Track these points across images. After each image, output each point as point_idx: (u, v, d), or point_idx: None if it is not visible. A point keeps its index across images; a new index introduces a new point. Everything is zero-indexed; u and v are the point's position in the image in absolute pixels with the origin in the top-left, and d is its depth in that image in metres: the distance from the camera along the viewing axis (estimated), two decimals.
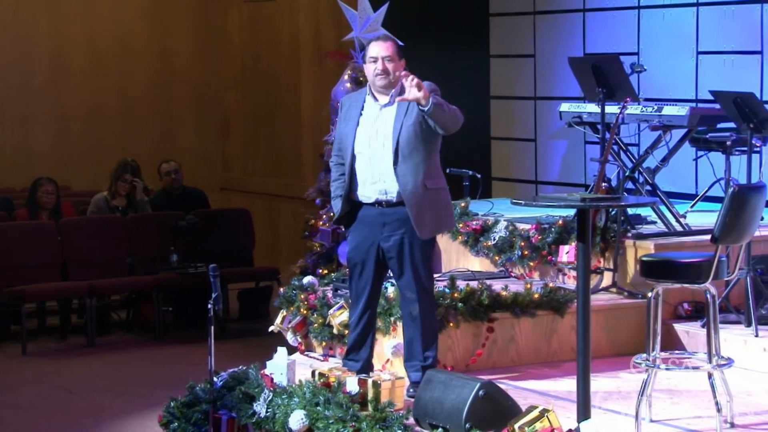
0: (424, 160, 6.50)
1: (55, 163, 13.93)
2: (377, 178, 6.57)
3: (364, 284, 6.73)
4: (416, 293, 6.62)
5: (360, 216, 6.68)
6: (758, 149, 8.00)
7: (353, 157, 6.62)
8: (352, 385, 6.36)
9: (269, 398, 6.51)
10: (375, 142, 6.57)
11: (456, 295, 7.34)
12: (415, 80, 6.27)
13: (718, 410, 5.92)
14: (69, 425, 8.28)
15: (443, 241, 8.86)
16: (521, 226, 8.58)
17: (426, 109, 6.30)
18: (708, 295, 6.11)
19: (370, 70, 6.60)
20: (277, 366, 6.74)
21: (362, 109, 6.66)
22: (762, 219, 6.78)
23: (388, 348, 7.27)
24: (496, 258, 8.61)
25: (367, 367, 6.77)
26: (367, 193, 6.63)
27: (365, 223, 6.67)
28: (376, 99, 6.64)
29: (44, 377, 9.59)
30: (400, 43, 6.84)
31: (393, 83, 6.58)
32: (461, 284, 7.49)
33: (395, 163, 6.49)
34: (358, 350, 6.79)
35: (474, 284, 7.51)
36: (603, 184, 7.83)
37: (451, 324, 7.29)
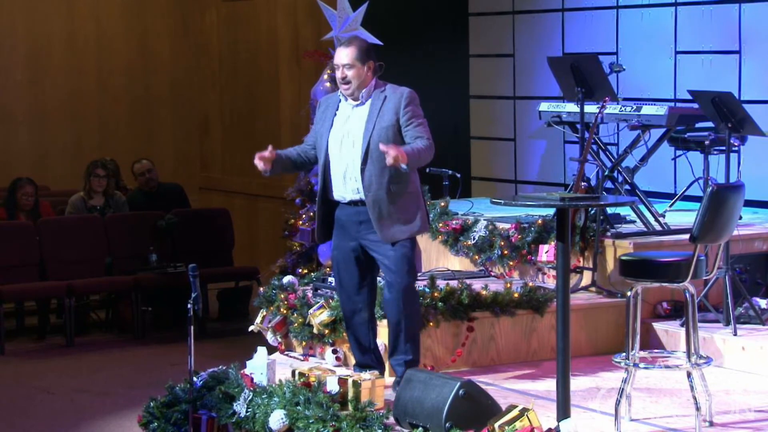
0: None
1: (34, 162, 13.88)
2: (349, 177, 6.60)
3: (349, 284, 6.74)
4: (396, 298, 6.61)
5: (337, 216, 6.71)
6: (736, 148, 8.03)
7: (327, 157, 6.65)
8: (332, 384, 6.36)
9: (249, 398, 6.50)
10: (346, 141, 6.61)
11: (436, 294, 7.35)
12: (393, 155, 6.28)
13: (697, 409, 5.94)
14: (48, 426, 8.25)
15: (423, 240, 8.86)
16: (501, 225, 8.60)
17: (405, 169, 6.34)
18: (687, 294, 6.13)
19: (336, 76, 6.66)
20: (257, 366, 6.74)
21: (336, 110, 6.71)
22: (740, 218, 6.82)
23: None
24: (476, 257, 8.63)
25: (380, 368, 6.78)
26: (341, 192, 6.66)
27: (343, 222, 6.70)
28: (347, 99, 6.68)
29: (23, 378, 9.55)
30: (375, 41, 6.81)
31: (359, 87, 6.59)
32: (441, 284, 7.51)
33: (363, 162, 6.52)
34: (362, 355, 6.82)
35: (454, 284, 7.52)
36: (582, 183, 7.85)
37: (431, 323, 7.29)
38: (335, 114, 6.70)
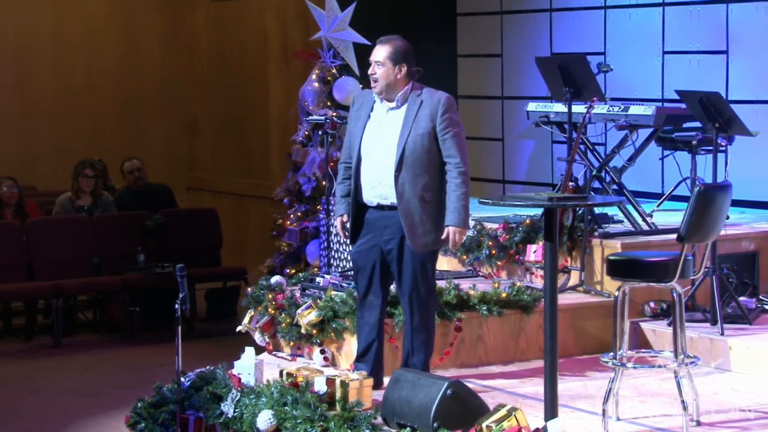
0: (426, 172, 6.46)
1: (21, 163, 13.85)
2: (377, 182, 6.55)
3: (367, 287, 6.71)
4: (410, 303, 6.59)
5: (365, 218, 6.66)
6: (723, 148, 8.04)
7: (359, 159, 6.61)
8: (320, 384, 6.36)
9: (237, 398, 6.50)
10: (379, 146, 6.54)
11: None
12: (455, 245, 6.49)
13: (684, 408, 5.95)
14: (35, 426, 8.23)
15: None
16: (489, 225, 8.61)
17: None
18: (674, 294, 6.14)
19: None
20: (245, 366, 6.73)
21: (371, 110, 6.65)
22: (727, 218, 6.84)
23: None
24: (464, 257, 8.63)
25: (377, 372, 6.74)
26: (369, 196, 6.62)
27: (369, 226, 6.65)
28: (382, 101, 6.62)
29: (10, 378, 9.53)
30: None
31: (388, 88, 6.54)
32: None
33: (397, 169, 6.45)
34: (365, 355, 6.79)
35: (442, 283, 7.51)
36: (570, 183, 7.86)
37: None
38: (369, 115, 6.63)
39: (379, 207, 6.59)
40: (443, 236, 6.45)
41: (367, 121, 6.62)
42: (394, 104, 6.56)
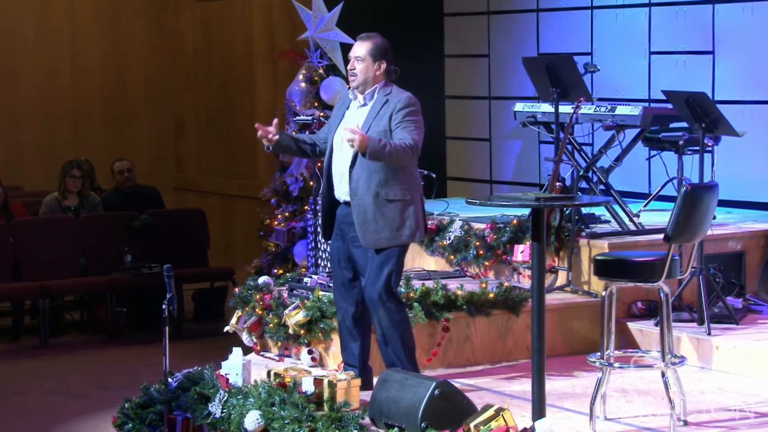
0: (383, 169, 6.44)
1: (7, 163, 13.80)
2: (342, 177, 6.57)
3: (341, 283, 6.73)
4: (374, 304, 6.56)
5: (336, 215, 6.70)
6: (710, 149, 8.07)
7: (330, 155, 6.64)
8: (307, 385, 6.36)
9: (224, 399, 6.49)
10: (345, 142, 6.56)
11: (411, 294, 7.35)
12: (353, 136, 6.26)
13: (672, 408, 5.97)
14: (22, 428, 8.21)
15: None
16: (476, 225, 8.62)
17: (366, 155, 6.32)
18: (661, 294, 6.15)
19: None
20: (233, 366, 6.73)
21: (347, 108, 6.70)
22: (714, 218, 6.85)
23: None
24: (452, 257, 8.64)
25: (365, 373, 6.73)
26: (338, 192, 6.65)
27: (339, 223, 6.69)
28: (356, 98, 6.66)
29: None
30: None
31: (366, 83, 6.57)
32: (417, 284, 7.51)
33: (351, 165, 6.49)
34: (348, 355, 6.78)
35: (429, 284, 7.52)
36: (557, 183, 7.86)
37: None
38: (344, 114, 6.68)
39: (346, 203, 6.61)
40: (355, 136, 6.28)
41: (341, 117, 6.67)
42: (363, 102, 6.61)
